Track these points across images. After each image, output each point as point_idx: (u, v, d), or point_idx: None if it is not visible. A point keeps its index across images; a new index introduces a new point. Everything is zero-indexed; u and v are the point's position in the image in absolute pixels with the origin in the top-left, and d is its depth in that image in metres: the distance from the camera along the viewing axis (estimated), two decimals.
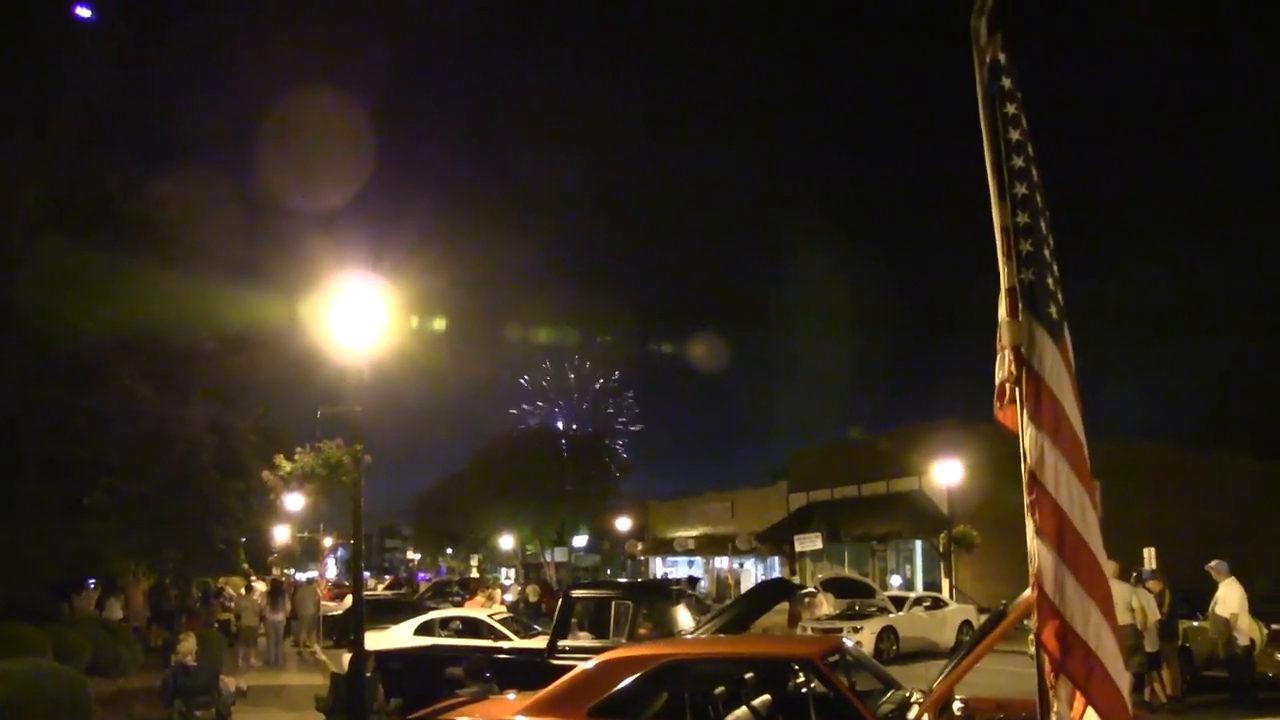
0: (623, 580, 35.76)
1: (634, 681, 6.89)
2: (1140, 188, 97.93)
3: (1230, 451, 40.47)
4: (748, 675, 7.69)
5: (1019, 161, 3.98)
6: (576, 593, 14.30)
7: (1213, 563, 14.33)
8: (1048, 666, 3.89)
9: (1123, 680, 3.81)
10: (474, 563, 68.91)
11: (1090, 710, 3.87)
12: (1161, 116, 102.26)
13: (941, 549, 32.35)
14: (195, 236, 17.92)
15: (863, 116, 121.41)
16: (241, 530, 24.74)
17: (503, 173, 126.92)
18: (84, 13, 17.73)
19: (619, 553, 60.13)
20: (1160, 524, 28.22)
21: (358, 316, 9.72)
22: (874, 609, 22.41)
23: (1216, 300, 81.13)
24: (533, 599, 24.39)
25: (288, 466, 12.76)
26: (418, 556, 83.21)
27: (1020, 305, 3.94)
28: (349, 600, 20.40)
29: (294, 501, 21.76)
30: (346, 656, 11.41)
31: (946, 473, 30.50)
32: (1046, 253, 4.03)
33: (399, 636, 15.26)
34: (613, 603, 13.72)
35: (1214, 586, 14.25)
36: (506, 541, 59.42)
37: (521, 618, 16.83)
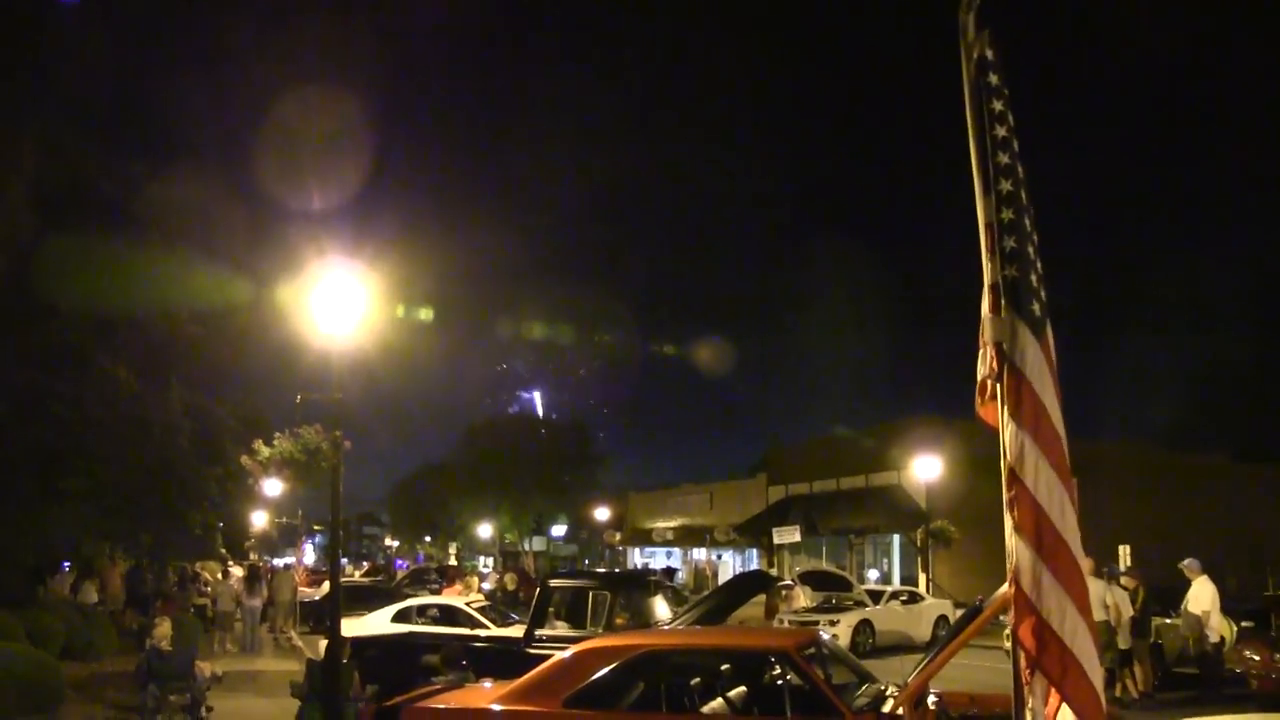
0: (600, 570, 35.72)
1: (610, 671, 6.89)
2: (1122, 189, 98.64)
3: (1208, 452, 40.87)
4: (724, 666, 7.70)
5: (1004, 158, 3.98)
6: (554, 582, 14.26)
7: (1186, 561, 14.49)
8: (1024, 662, 3.91)
9: (1097, 677, 3.83)
10: (452, 550, 68.65)
11: (1065, 706, 3.90)
12: (1155, 117, 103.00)
13: (919, 544, 32.52)
14: (177, 221, 17.72)
15: (857, 115, 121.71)
16: (219, 515, 24.60)
17: (502, 172, 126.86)
18: None
19: (597, 542, 60.05)
20: (1135, 522, 28.51)
21: (339, 303, 9.68)
22: (851, 602, 22.49)
23: (1198, 303, 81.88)
24: (510, 587, 24.29)
25: (266, 452, 12.74)
26: (396, 544, 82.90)
27: (1003, 302, 3.94)
28: (326, 586, 20.34)
29: (272, 487, 21.71)
30: (323, 643, 11.39)
31: (925, 468, 30.59)
32: (1030, 250, 4.04)
33: (376, 623, 15.22)
34: (590, 592, 13.68)
35: (1186, 584, 14.41)
36: (485, 530, 59.29)
37: (499, 606, 16.80)
